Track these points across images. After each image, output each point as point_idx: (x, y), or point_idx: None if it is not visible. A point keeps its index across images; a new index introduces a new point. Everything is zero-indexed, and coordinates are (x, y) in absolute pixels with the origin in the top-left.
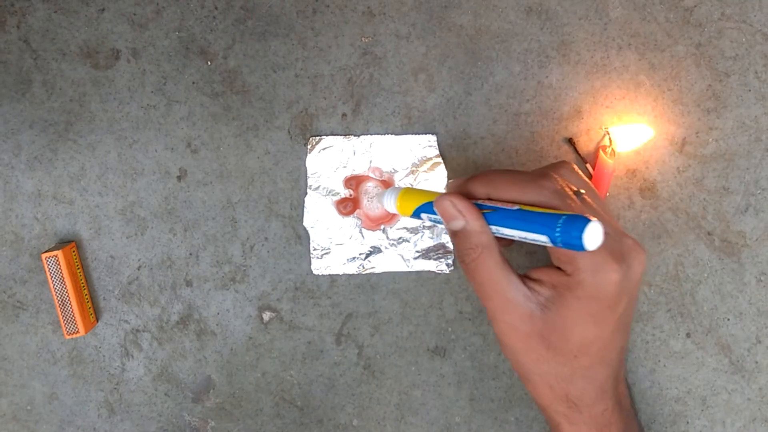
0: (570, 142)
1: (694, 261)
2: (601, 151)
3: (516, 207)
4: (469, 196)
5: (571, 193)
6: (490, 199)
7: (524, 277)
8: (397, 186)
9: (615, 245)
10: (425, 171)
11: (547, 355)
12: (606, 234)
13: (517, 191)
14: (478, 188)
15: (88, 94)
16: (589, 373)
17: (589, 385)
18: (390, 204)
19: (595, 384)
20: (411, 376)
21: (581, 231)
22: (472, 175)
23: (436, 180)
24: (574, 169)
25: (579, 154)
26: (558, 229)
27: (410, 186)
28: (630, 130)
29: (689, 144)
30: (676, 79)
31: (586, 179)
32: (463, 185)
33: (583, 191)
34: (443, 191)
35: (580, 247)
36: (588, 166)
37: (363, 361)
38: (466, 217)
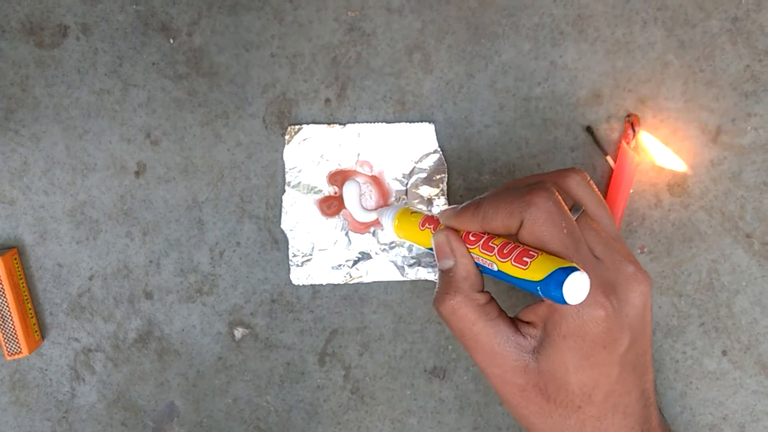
0: (588, 130)
1: (731, 268)
2: (623, 142)
3: (496, 268)
4: (464, 229)
5: (566, 211)
6: (485, 233)
7: (516, 321)
8: (396, 205)
9: (606, 275)
10: (422, 167)
11: (549, 408)
12: (596, 265)
13: (504, 216)
14: (469, 220)
15: (31, 77)
16: (603, 425)
17: None
18: (388, 228)
19: None
20: (406, 402)
21: (560, 293)
22: (466, 204)
23: (436, 175)
24: (583, 179)
25: (598, 145)
26: (539, 289)
27: (408, 206)
28: (660, 150)
29: (725, 133)
30: (710, 59)
31: (596, 192)
32: (455, 216)
33: (583, 208)
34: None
35: (565, 302)
36: (609, 158)
37: (350, 385)
38: (455, 257)
